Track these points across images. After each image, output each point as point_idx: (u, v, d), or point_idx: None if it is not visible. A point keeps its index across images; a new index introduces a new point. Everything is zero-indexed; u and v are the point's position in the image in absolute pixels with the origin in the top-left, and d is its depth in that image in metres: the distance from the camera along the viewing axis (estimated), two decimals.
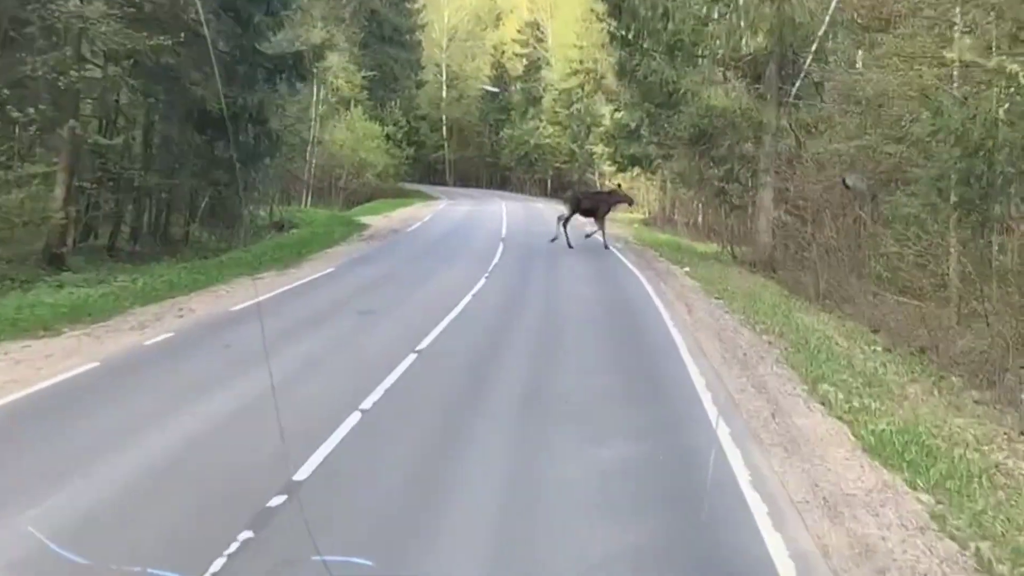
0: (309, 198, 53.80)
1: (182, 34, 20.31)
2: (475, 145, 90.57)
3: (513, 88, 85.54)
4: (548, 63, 77.73)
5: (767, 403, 11.00)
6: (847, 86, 24.96)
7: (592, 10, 49.24)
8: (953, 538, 7.23)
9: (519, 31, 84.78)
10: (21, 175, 20.28)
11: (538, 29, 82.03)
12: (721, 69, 30.30)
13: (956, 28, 17.57)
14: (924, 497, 8.11)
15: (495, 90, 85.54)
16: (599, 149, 58.00)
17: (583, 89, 67.31)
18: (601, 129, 57.33)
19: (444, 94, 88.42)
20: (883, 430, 9.88)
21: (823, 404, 11.12)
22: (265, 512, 7.00)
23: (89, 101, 23.49)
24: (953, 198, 16.42)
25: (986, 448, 10.02)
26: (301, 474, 7.81)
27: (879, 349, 15.92)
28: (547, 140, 73.75)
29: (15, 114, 19.71)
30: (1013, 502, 8.12)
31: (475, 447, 8.98)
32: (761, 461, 8.70)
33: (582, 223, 32.35)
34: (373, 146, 60.40)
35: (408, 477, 8.08)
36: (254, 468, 7.92)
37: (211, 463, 8.24)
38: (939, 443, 9.80)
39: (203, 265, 23.35)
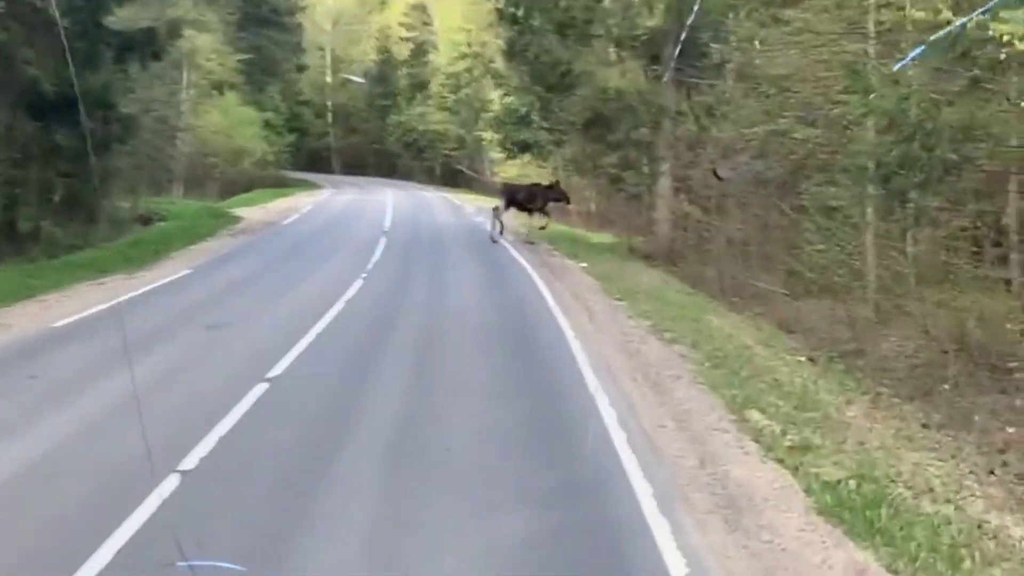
0: (181, 189, 50.51)
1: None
2: (362, 132, 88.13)
3: (400, 72, 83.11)
4: (435, 47, 75.96)
5: (692, 444, 8.99)
6: (753, 66, 23.34)
7: None
8: None
9: (405, 14, 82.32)
10: None
11: (425, 12, 79.85)
12: (616, 49, 28.40)
13: None
14: None
15: (361, 80, 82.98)
16: (488, 135, 56.28)
17: (471, 73, 65.42)
18: (490, 115, 55.63)
19: (329, 79, 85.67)
20: (837, 481, 7.98)
21: (757, 441, 9.18)
22: None
23: None
24: (879, 189, 14.76)
25: (959, 497, 8.23)
26: None
27: (803, 360, 14.13)
28: (435, 126, 71.90)
29: None
30: None
31: (324, 534, 6.68)
32: (698, 540, 6.64)
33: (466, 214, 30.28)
34: (250, 133, 57.39)
35: None
36: None
37: None
38: (903, 493, 7.98)
39: (43, 267, 20.69)
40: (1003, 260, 17.07)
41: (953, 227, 16.80)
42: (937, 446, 10.03)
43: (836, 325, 18.67)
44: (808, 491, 7.77)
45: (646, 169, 31.76)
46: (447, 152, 71.27)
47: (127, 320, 13.92)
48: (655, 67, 27.15)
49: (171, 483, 7.25)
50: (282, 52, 71.72)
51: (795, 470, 8.31)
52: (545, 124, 37.71)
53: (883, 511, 7.34)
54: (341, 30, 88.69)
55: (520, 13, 28.76)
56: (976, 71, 12.68)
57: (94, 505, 6.99)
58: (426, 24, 79.45)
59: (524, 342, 14.37)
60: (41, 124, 22.81)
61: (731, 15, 25.94)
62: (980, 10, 10.65)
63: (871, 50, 18.32)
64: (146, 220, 34.14)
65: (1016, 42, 10.30)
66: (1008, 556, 6.98)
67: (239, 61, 60.44)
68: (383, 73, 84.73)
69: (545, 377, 11.87)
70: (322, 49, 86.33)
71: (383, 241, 27.88)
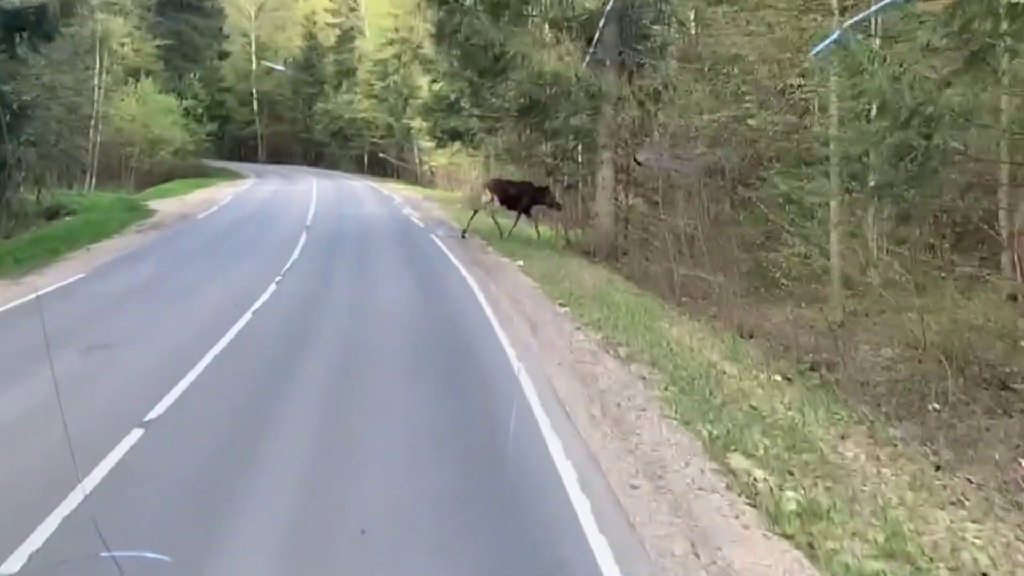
0: (94, 180, 47.63)
1: None
2: (288, 120, 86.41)
3: (326, 60, 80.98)
4: (362, 32, 74.01)
5: (675, 515, 7.05)
6: (701, 47, 21.63)
7: None
8: None
9: (331, 0, 79.73)
10: None
11: None
12: (553, 30, 26.39)
13: None
14: None
15: (281, 68, 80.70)
16: (417, 123, 54.49)
17: (399, 60, 63.93)
18: (419, 102, 53.93)
19: (254, 66, 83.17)
20: (862, 571, 6.18)
21: (753, 504, 7.33)
22: None
23: None
24: (859, 183, 12.97)
25: None
26: None
27: (778, 379, 12.30)
28: (363, 114, 70.18)
29: None
30: None
31: None
32: None
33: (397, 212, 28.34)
34: (168, 121, 54.55)
35: None
36: None
37: None
38: None
39: None
40: (985, 259, 15.56)
41: (935, 222, 15.17)
42: (963, 498, 8.24)
43: (800, 330, 17.00)
44: None
45: (581, 158, 30.05)
46: (375, 140, 69.27)
47: None
48: (595, 50, 25.27)
49: None
50: (203, 38, 69.86)
51: (810, 549, 6.48)
52: (476, 111, 35.66)
53: None
54: (266, 16, 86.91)
55: None
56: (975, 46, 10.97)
57: None
58: (352, 10, 77.65)
59: (458, 369, 11.96)
60: None
61: None
62: None
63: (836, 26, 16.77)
64: (53, 214, 31.54)
65: None
66: None
67: (157, 47, 58.40)
68: (309, 60, 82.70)
69: (486, 417, 9.53)
70: (246, 35, 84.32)
71: (304, 237, 25.70)
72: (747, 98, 18.90)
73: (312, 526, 6.67)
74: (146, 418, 8.90)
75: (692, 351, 13.31)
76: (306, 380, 10.96)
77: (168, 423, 8.90)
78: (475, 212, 28.44)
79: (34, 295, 15.62)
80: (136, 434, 8.45)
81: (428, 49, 45.43)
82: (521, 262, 22.29)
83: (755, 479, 7.88)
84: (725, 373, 12.09)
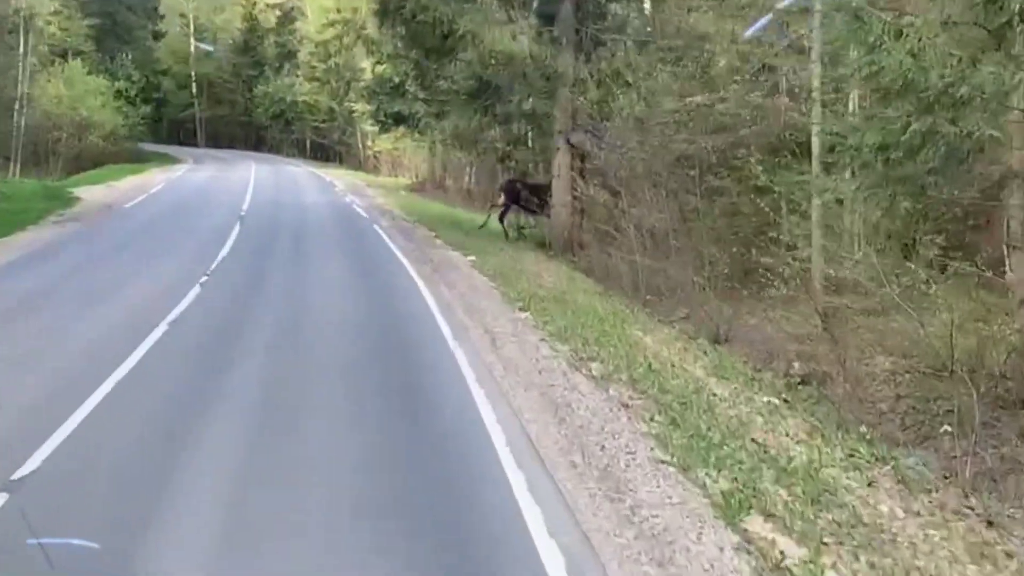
0: (18, 167, 45.16)
1: None
2: (228, 103, 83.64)
3: (267, 42, 78.79)
4: (303, 14, 71.90)
5: None
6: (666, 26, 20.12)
7: None
8: None
9: None
10: None
11: None
12: (506, 7, 24.63)
13: None
14: None
15: (210, 48, 78.45)
16: (360, 107, 52.87)
17: (342, 41, 61.76)
18: (362, 84, 52.23)
19: (192, 48, 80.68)
20: None
21: None
22: None
23: None
24: (867, 175, 11.44)
25: None
26: None
27: (776, 401, 10.72)
28: (304, 97, 68.43)
29: None
30: None
31: None
32: None
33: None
34: (98, 104, 52.01)
35: None
36: None
37: None
38: None
39: None
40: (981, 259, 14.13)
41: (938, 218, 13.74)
42: None
43: (781, 334, 15.53)
44: None
45: (533, 144, 28.57)
46: (317, 124, 67.44)
47: None
48: (551, 28, 23.63)
49: None
50: (137, 18, 67.44)
51: None
52: (422, 94, 33.93)
53: None
54: None
55: None
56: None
57: None
58: None
59: (406, 402, 9.76)
60: None
61: None
62: None
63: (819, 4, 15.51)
64: None
65: None
66: None
67: (88, 27, 55.90)
68: (249, 42, 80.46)
69: (443, 474, 7.61)
70: (184, 16, 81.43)
71: (237, 229, 23.75)
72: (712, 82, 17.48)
73: None
74: (14, 476, 7.07)
75: (673, 367, 11.72)
76: (225, 421, 8.84)
77: (44, 483, 7.00)
78: (491, 212, 27.38)
79: None
80: None
81: (372, 30, 43.59)
82: (473, 257, 20.62)
83: (783, 554, 6.28)
84: (715, 395, 10.50)
